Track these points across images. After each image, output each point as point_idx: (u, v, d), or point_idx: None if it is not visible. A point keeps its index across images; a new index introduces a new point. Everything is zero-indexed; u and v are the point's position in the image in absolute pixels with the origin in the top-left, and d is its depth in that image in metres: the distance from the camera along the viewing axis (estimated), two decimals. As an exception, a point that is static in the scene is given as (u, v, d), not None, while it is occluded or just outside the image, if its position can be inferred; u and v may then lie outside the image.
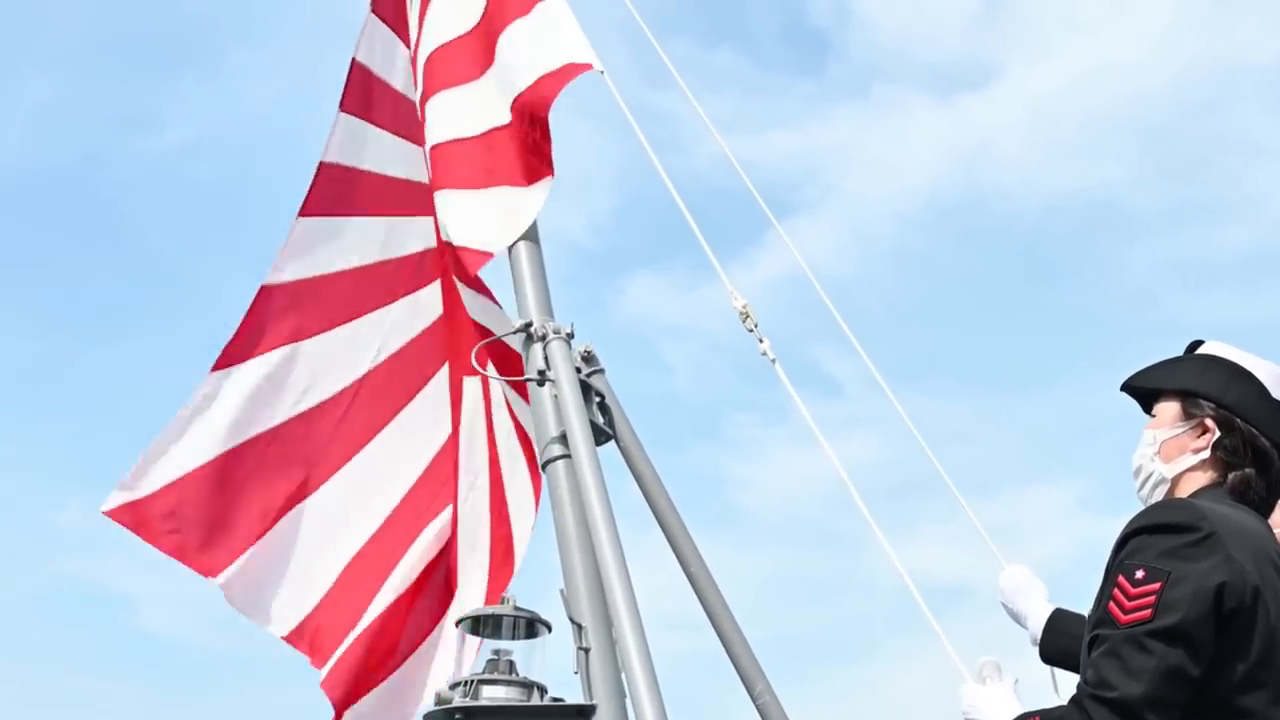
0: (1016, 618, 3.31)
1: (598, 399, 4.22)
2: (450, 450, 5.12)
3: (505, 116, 4.69)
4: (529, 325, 4.26)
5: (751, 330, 3.97)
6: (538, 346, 4.20)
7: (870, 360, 4.08)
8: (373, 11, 5.46)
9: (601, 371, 4.27)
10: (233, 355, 5.03)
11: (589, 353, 4.26)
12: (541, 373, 4.13)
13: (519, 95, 4.59)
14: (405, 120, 5.35)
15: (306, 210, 5.23)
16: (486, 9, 4.96)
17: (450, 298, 5.14)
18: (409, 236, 5.32)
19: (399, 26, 5.46)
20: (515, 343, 4.31)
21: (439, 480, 5.13)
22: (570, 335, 4.22)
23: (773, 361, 3.88)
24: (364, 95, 5.40)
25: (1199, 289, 16.42)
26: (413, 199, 5.28)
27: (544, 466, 4.08)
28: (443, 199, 4.70)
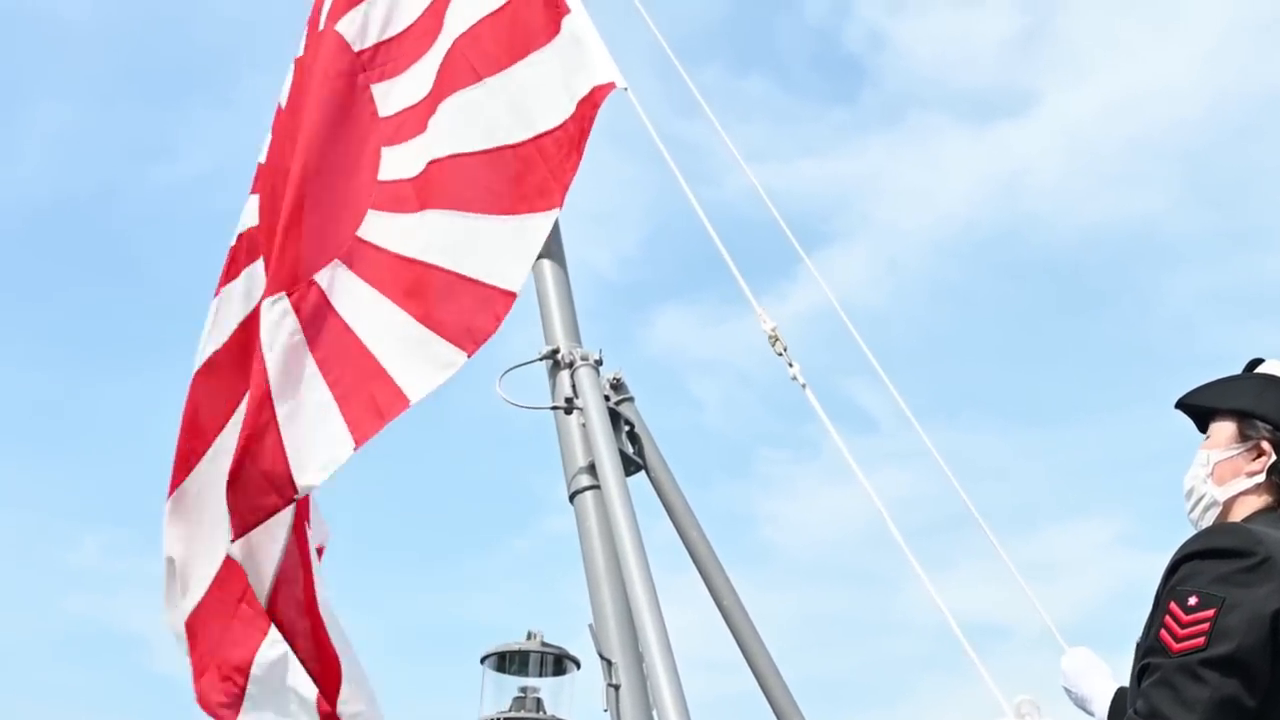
0: (1081, 702, 3.24)
1: (627, 428, 4.21)
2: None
3: (518, 134, 4.68)
4: (555, 351, 4.26)
5: (781, 354, 3.95)
6: (565, 373, 4.20)
7: (903, 394, 4.07)
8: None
9: (631, 399, 4.26)
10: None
11: (618, 380, 4.25)
12: (569, 400, 4.12)
13: (564, 123, 4.58)
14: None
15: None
16: (510, 4, 4.94)
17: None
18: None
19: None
20: (542, 370, 4.31)
21: None
22: (599, 362, 4.22)
23: (803, 386, 3.86)
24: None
25: (1241, 319, 16.35)
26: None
27: (572, 498, 4.06)
28: (448, 220, 4.69)
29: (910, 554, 3.40)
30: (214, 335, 5.26)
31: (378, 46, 5.26)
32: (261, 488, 4.29)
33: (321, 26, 5.34)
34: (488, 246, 4.57)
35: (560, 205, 4.52)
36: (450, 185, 4.75)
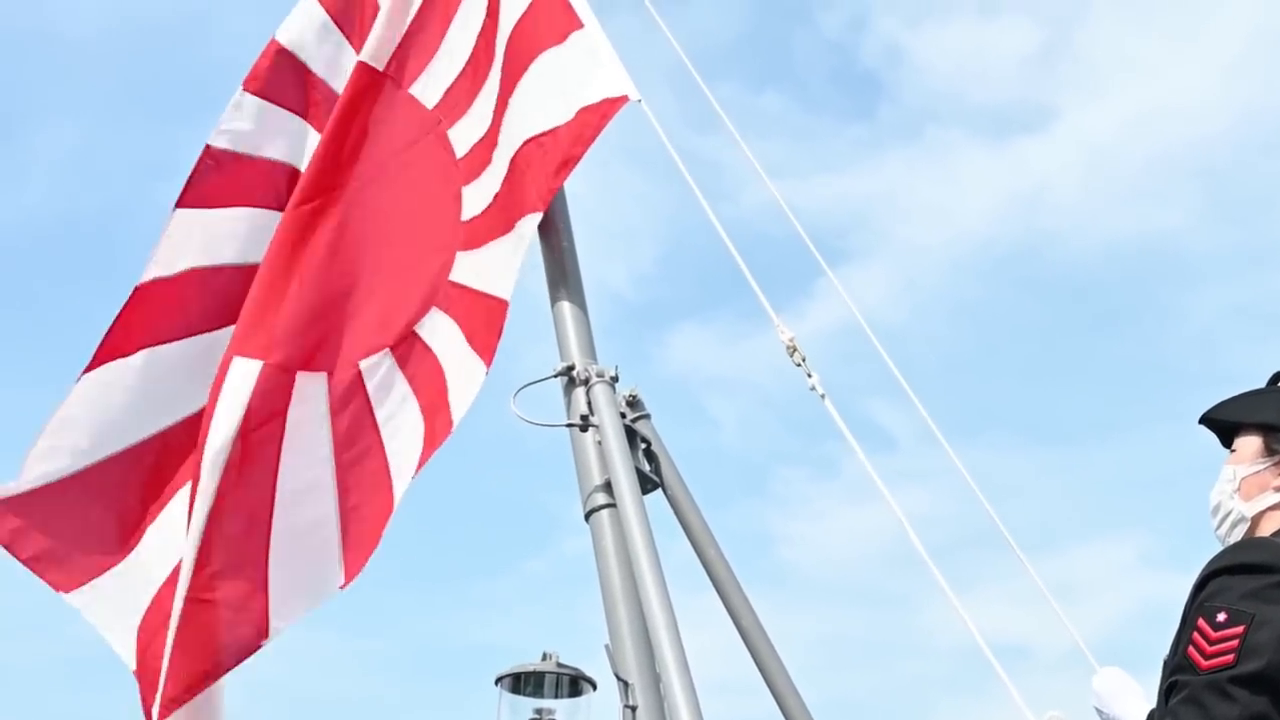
0: None
1: (643, 445, 4.20)
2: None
3: (517, 141, 4.71)
4: (571, 368, 4.27)
5: (800, 365, 3.95)
6: (580, 390, 4.20)
7: (930, 412, 4.06)
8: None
9: (647, 417, 4.26)
10: (100, 357, 4.97)
11: (634, 397, 4.25)
12: (584, 418, 4.12)
13: (555, 128, 4.59)
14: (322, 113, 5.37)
15: (185, 201, 5.19)
16: (520, 21, 4.96)
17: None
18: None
19: (348, 17, 5.50)
20: (557, 387, 4.31)
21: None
22: (615, 378, 4.22)
23: (822, 397, 3.86)
24: (276, 78, 5.42)
25: (1262, 335, 16.34)
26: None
27: (588, 516, 4.06)
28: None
29: (937, 572, 3.39)
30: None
31: (447, 92, 5.31)
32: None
33: (382, 66, 5.33)
34: (493, 259, 4.61)
35: (542, 209, 4.53)
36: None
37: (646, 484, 4.10)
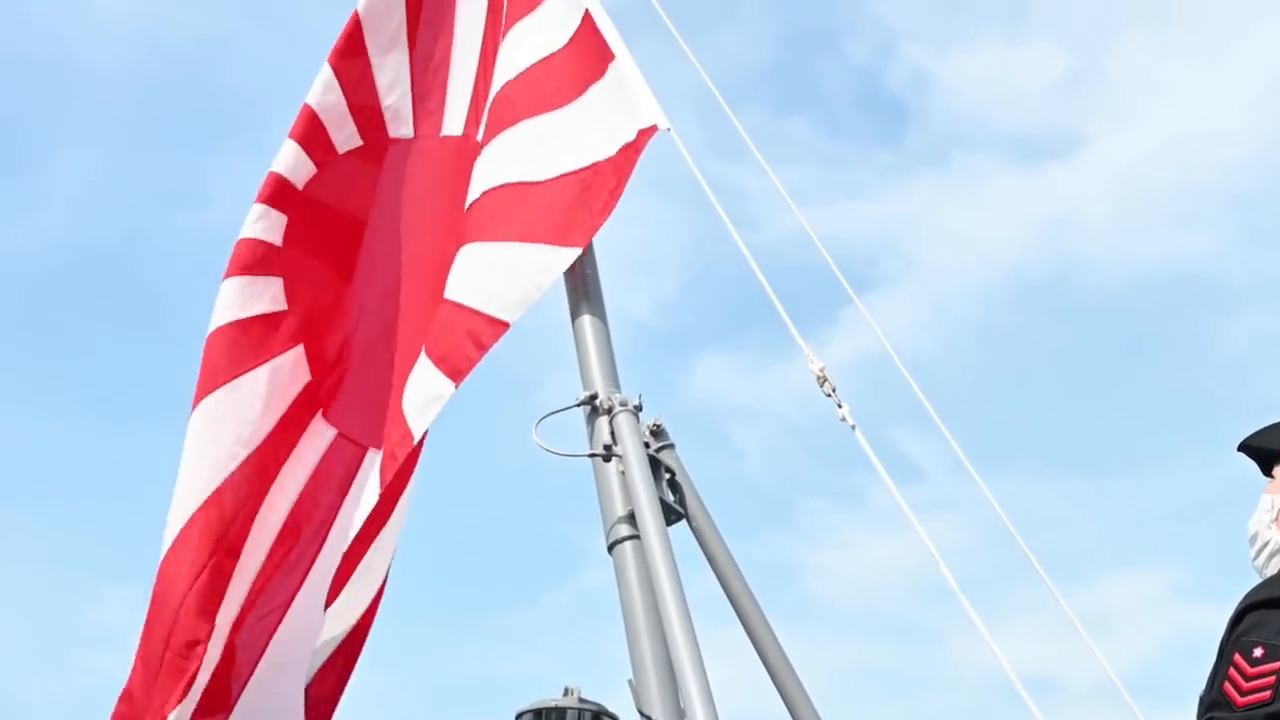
0: None
1: (667, 475, 4.19)
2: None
3: (547, 171, 4.71)
4: (594, 397, 4.26)
5: (830, 395, 3.94)
6: (603, 419, 4.20)
7: (958, 441, 4.04)
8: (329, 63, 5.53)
9: (671, 446, 4.25)
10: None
11: (658, 426, 4.25)
12: (607, 448, 4.11)
13: (597, 163, 4.60)
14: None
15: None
16: (564, 49, 5.00)
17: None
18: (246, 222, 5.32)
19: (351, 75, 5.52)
20: (579, 416, 4.31)
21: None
22: (638, 408, 4.21)
23: (853, 428, 3.85)
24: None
25: (1298, 364, 16.20)
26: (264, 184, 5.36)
27: (611, 548, 4.05)
28: (472, 251, 4.71)
29: (968, 605, 3.37)
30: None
31: (470, 109, 5.39)
32: None
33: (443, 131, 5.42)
34: (491, 272, 4.60)
35: (584, 245, 4.54)
36: (473, 220, 4.80)
37: (671, 515, 4.09)
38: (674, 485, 4.21)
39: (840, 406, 3.91)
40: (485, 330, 4.47)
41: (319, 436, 5.08)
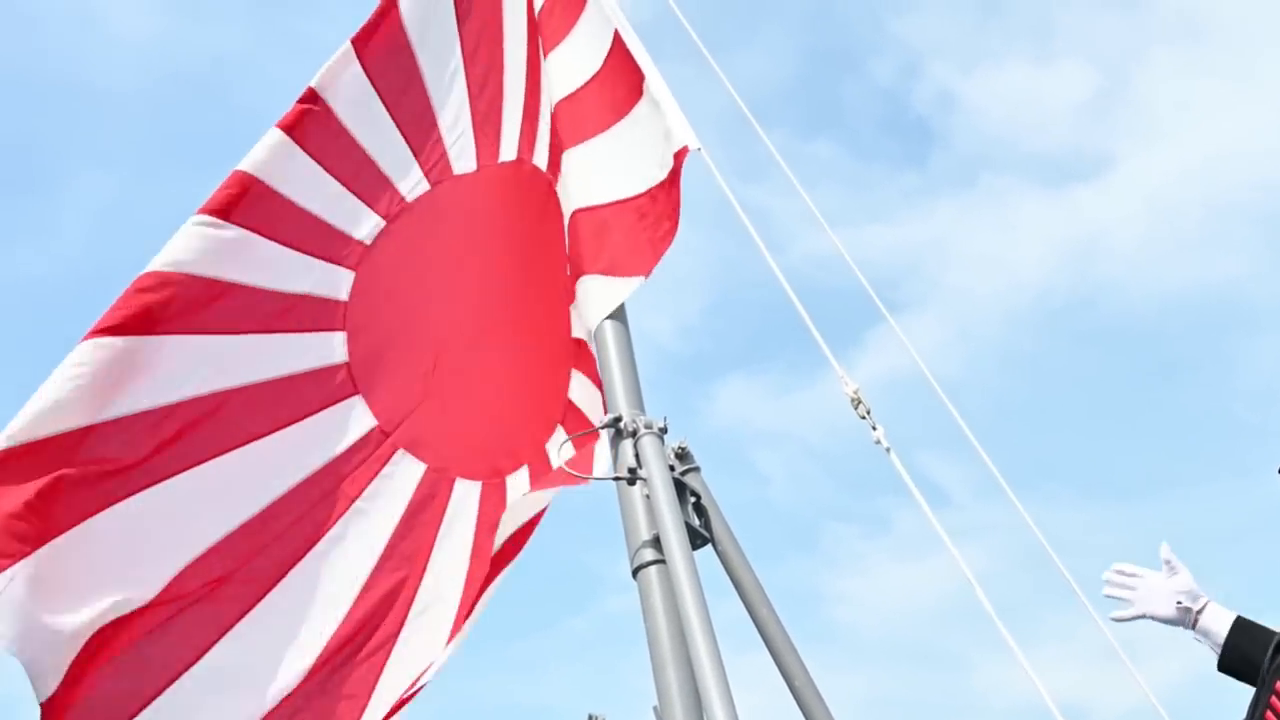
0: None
1: (693, 499, 4.16)
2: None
3: (614, 194, 4.73)
4: (618, 419, 4.24)
5: (864, 417, 3.90)
6: (628, 442, 4.17)
7: (979, 467, 4.01)
8: (351, 43, 5.39)
9: (697, 470, 4.22)
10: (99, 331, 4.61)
11: (683, 449, 4.22)
12: (632, 471, 4.08)
13: (651, 189, 4.62)
14: (350, 166, 5.28)
15: (206, 209, 5.02)
16: (601, 71, 5.03)
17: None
18: (296, 274, 5.08)
19: (382, 74, 5.41)
20: (603, 439, 4.28)
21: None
22: (663, 430, 4.18)
23: (887, 450, 3.81)
24: (308, 123, 5.25)
25: (1329, 387, 16.16)
26: (322, 240, 5.17)
27: (635, 573, 4.02)
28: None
29: (1005, 631, 3.33)
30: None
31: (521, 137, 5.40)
32: None
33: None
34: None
35: (647, 274, 4.55)
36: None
37: (696, 539, 4.06)
38: (700, 509, 4.18)
39: (875, 429, 3.88)
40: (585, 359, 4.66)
41: (403, 471, 5.08)
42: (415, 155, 5.40)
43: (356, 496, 4.94)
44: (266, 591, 4.70)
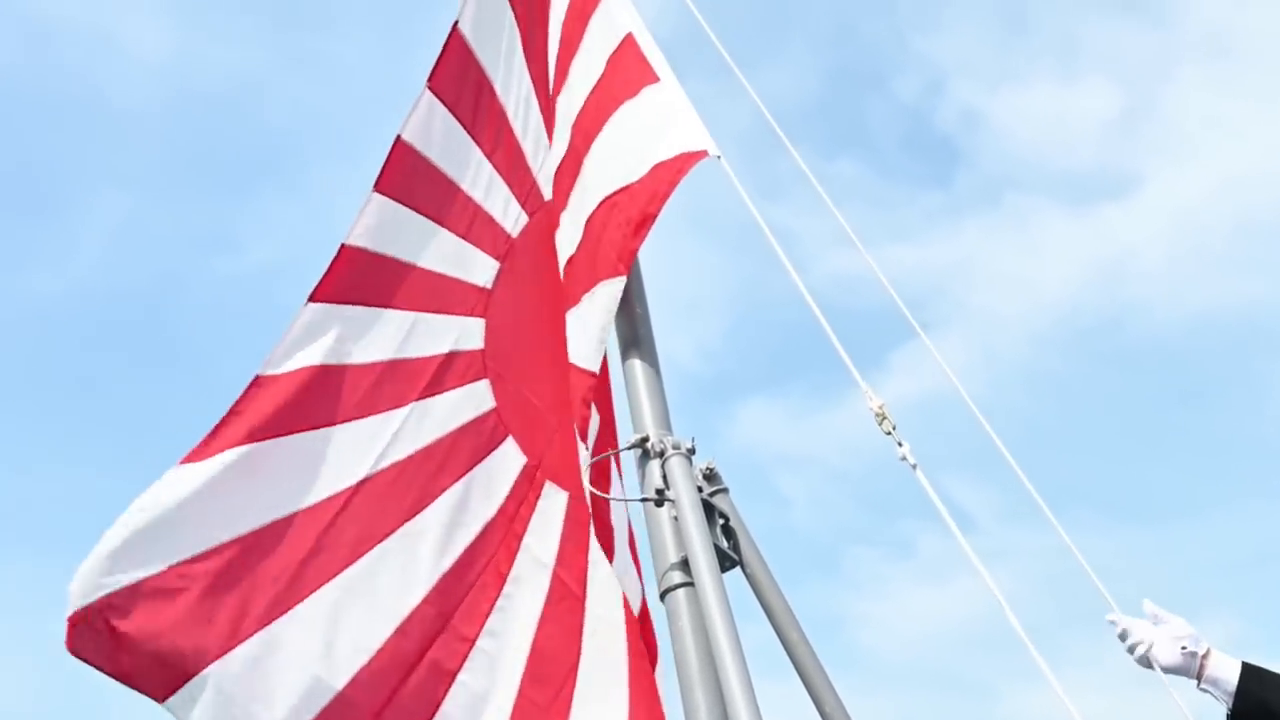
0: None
1: (721, 521, 4.14)
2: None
3: (597, 197, 4.70)
4: (645, 440, 4.21)
5: (889, 433, 3.87)
6: (655, 463, 4.14)
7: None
8: (429, 88, 5.33)
9: (725, 491, 4.19)
10: (206, 449, 4.55)
11: (711, 470, 4.20)
12: (660, 492, 4.06)
13: (628, 185, 4.57)
14: (456, 212, 5.23)
15: (320, 296, 4.92)
16: (602, 78, 5.00)
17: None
18: (433, 337, 5.07)
19: (465, 111, 5.37)
20: (630, 460, 4.27)
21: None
22: (691, 451, 4.16)
23: (914, 467, 3.78)
24: (406, 178, 5.21)
25: (1359, 409, 16.04)
26: (448, 296, 5.12)
27: (663, 596, 3.99)
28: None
29: (1038, 656, 3.29)
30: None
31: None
32: None
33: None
34: (575, 328, 4.60)
35: (624, 273, 4.49)
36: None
37: (725, 561, 4.03)
38: (728, 531, 4.16)
39: (900, 445, 3.84)
40: (581, 383, 4.52)
41: (554, 505, 5.04)
42: (512, 190, 5.36)
43: (523, 534, 4.91)
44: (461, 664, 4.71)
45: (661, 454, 4.15)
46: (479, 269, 5.19)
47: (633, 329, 4.58)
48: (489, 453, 4.99)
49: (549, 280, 5.18)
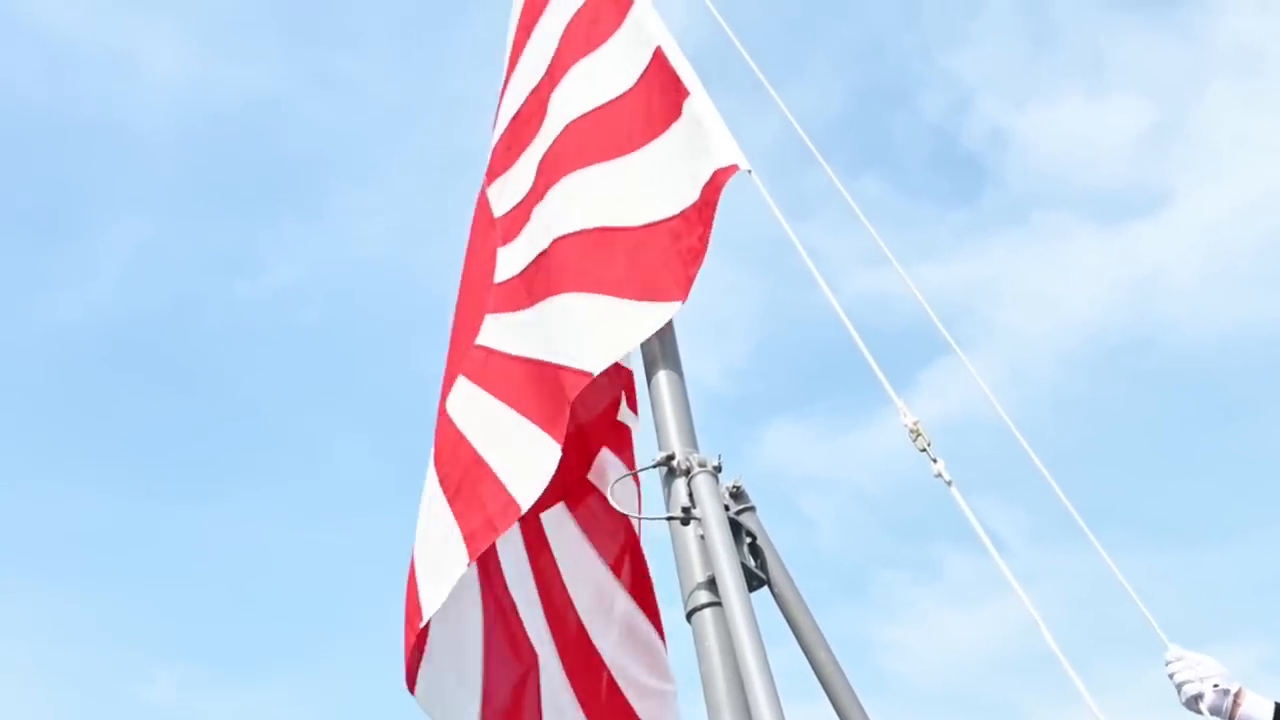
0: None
1: (749, 540, 4.09)
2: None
3: (636, 217, 4.65)
4: (671, 458, 4.16)
5: (924, 450, 3.82)
6: (681, 481, 4.09)
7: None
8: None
9: (752, 509, 4.15)
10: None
11: (738, 488, 4.15)
12: (686, 510, 4.01)
13: (685, 209, 4.52)
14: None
15: None
16: (634, 88, 4.96)
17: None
18: None
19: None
20: (654, 478, 4.22)
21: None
22: (718, 468, 4.11)
23: (949, 483, 3.73)
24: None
25: (1393, 432, 15.90)
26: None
27: (689, 616, 3.94)
28: (559, 305, 4.65)
29: (1078, 679, 3.23)
30: None
31: (493, 149, 5.33)
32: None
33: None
34: (582, 326, 4.53)
35: (684, 299, 4.43)
36: (559, 268, 4.73)
37: (752, 581, 3.99)
38: (755, 550, 4.11)
39: (936, 461, 3.79)
40: (569, 381, 4.44)
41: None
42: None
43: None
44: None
45: (687, 471, 4.10)
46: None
47: (658, 346, 4.53)
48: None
49: (476, 265, 5.26)
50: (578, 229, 4.77)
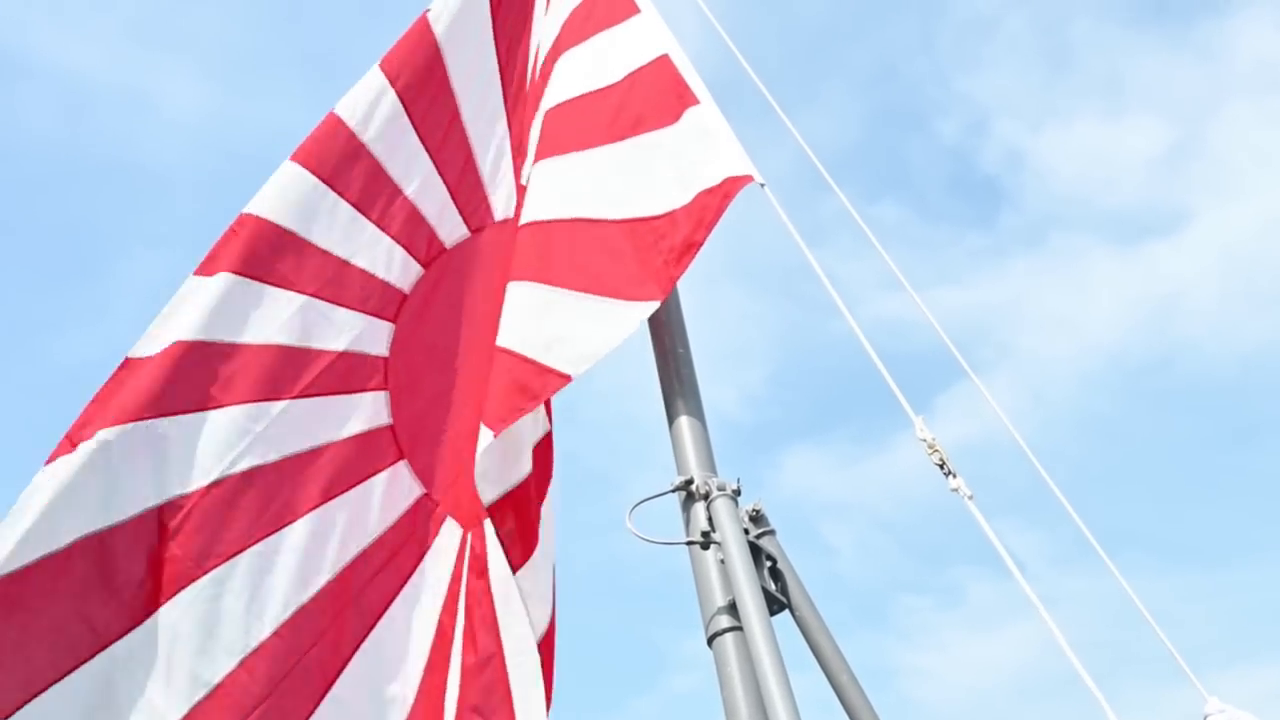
0: None
1: (769, 563, 4.10)
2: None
3: (611, 211, 4.61)
4: (689, 482, 4.19)
5: (940, 465, 3.83)
6: (700, 505, 4.12)
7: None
8: (381, 69, 5.23)
9: (772, 533, 4.15)
10: (69, 443, 4.30)
11: (758, 512, 4.16)
12: (705, 535, 4.03)
13: (672, 212, 4.50)
14: (382, 202, 5.06)
15: (205, 268, 4.73)
16: (621, 84, 4.96)
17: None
18: (326, 329, 4.81)
19: (417, 101, 5.25)
20: (673, 504, 4.23)
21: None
22: (737, 492, 4.13)
23: (968, 498, 3.73)
24: (330, 153, 5.03)
25: None
26: (352, 288, 4.91)
27: (710, 641, 3.95)
28: (525, 292, 4.56)
29: (1105, 703, 3.23)
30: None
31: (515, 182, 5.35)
32: None
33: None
34: (550, 319, 4.46)
35: (661, 299, 4.43)
36: (528, 255, 4.67)
37: (773, 605, 3.99)
38: (775, 573, 4.12)
39: (955, 477, 3.80)
40: (537, 380, 4.31)
41: (449, 543, 4.84)
42: (453, 197, 5.25)
43: (411, 572, 4.70)
44: (328, 687, 4.46)
45: (706, 496, 4.12)
46: (396, 268, 5.00)
47: (675, 369, 4.56)
48: (373, 474, 4.74)
49: (485, 307, 4.96)
50: (550, 218, 4.70)
